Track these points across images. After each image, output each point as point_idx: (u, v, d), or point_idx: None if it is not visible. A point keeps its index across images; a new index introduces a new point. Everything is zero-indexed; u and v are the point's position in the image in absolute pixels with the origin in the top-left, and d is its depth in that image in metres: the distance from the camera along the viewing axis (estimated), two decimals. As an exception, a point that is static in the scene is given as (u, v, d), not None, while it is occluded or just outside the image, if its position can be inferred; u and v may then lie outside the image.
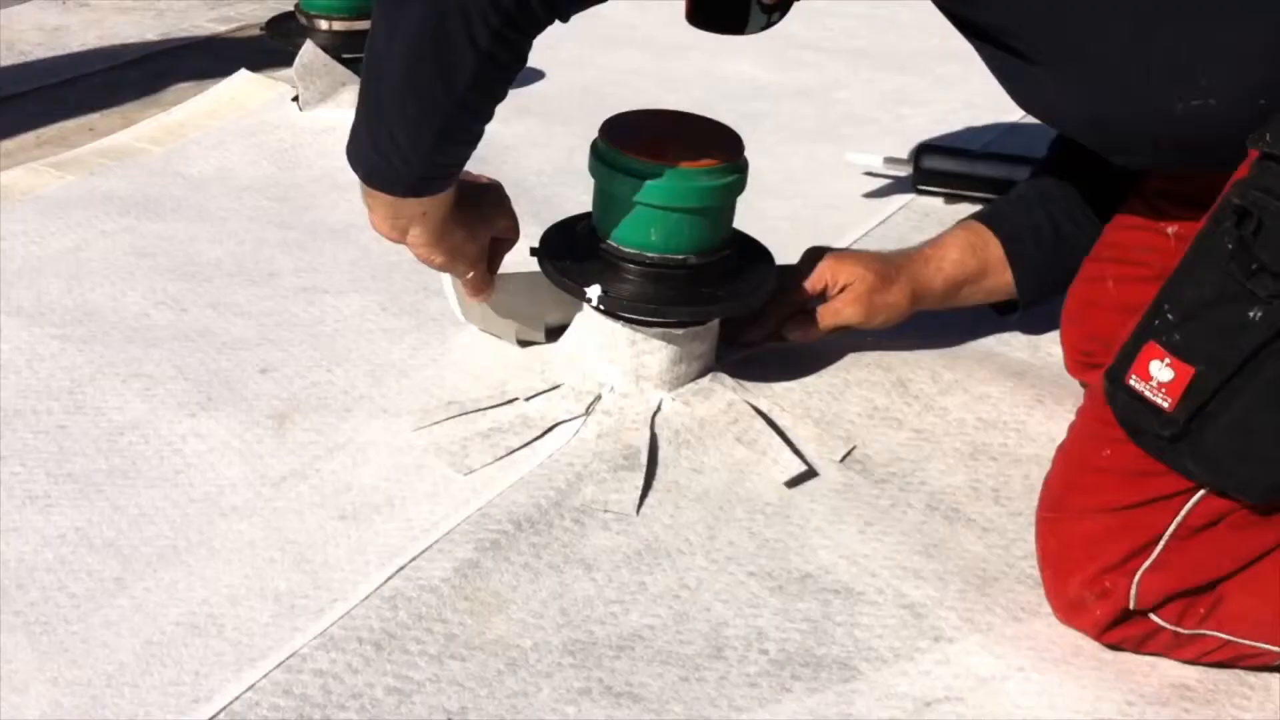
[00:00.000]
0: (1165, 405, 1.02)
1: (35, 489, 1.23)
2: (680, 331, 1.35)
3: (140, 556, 1.16)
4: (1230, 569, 1.07)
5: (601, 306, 1.31)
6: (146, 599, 1.12)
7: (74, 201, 1.79)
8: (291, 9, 2.11)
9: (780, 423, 1.36)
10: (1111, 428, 1.07)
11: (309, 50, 2.03)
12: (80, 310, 1.52)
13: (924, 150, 1.97)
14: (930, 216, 1.89)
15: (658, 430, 1.34)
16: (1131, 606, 1.09)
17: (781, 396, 1.40)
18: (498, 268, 1.40)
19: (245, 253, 1.68)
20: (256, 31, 2.45)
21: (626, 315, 1.33)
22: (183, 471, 1.27)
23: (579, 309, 1.39)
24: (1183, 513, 1.05)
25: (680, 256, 1.31)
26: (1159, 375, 1.01)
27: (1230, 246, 0.98)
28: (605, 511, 1.24)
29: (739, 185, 1.32)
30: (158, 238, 1.70)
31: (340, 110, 2.07)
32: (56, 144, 2.01)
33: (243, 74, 2.20)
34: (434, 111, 1.12)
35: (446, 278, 1.43)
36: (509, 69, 1.12)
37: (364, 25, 2.05)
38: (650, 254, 1.31)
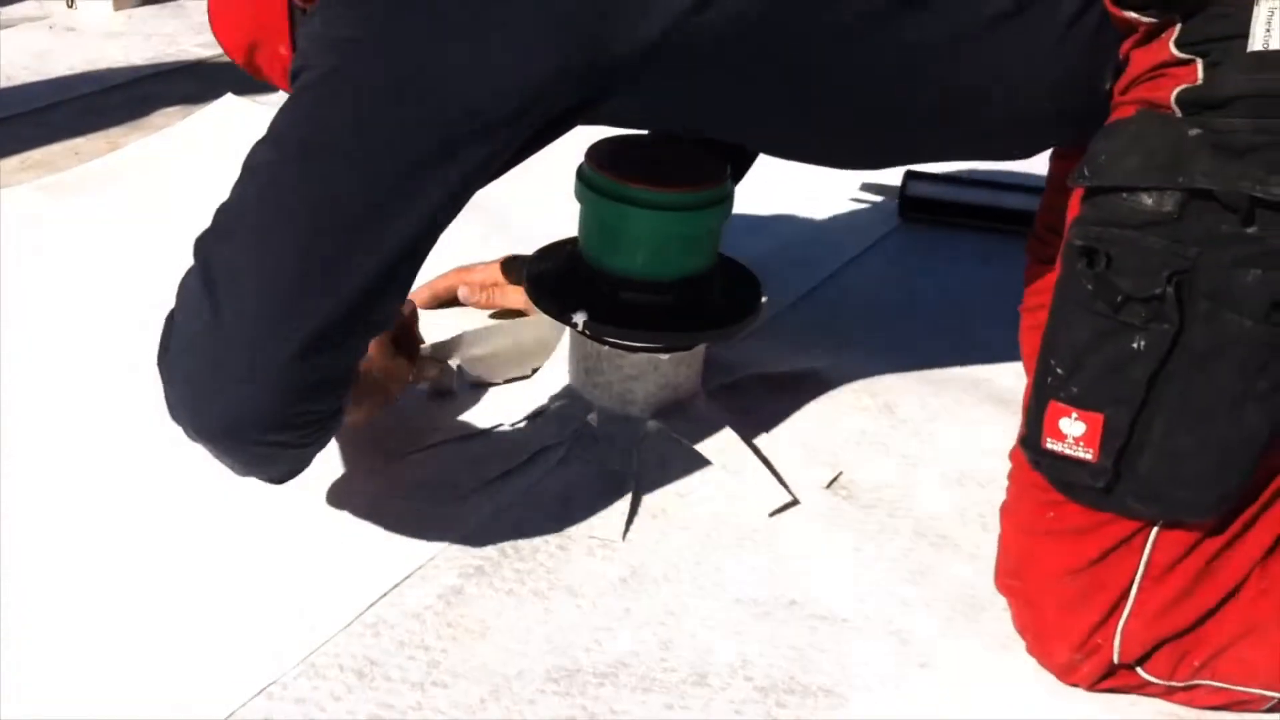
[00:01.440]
0: (1089, 457, 1.01)
1: (26, 508, 1.22)
2: (666, 357, 1.34)
3: (124, 582, 1.15)
4: (1212, 603, 1.06)
5: (587, 332, 1.31)
6: (130, 625, 1.11)
7: (58, 225, 1.78)
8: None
9: (767, 448, 1.36)
10: (1046, 491, 1.06)
11: (296, 75, 2.02)
12: (65, 336, 1.51)
13: (910, 177, 1.97)
14: (920, 241, 1.89)
15: (644, 456, 1.34)
16: (1116, 660, 1.07)
17: (768, 422, 1.40)
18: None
19: (230, 277, 1.67)
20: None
21: (612, 340, 1.33)
22: (165, 495, 1.26)
23: (564, 336, 1.39)
24: (1146, 552, 1.05)
25: (666, 281, 1.31)
26: (1071, 431, 1.01)
27: (1090, 287, 0.98)
28: (591, 537, 1.23)
29: (725, 211, 1.32)
30: (144, 262, 1.69)
31: (327, 135, 2.06)
32: (42, 167, 2.01)
33: (229, 98, 2.20)
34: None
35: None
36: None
37: (351, 50, 2.05)
38: (636, 278, 1.31)
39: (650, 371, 1.34)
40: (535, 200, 1.96)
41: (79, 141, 2.12)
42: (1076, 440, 1.01)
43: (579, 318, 1.30)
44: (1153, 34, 0.99)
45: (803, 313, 1.68)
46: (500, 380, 1.46)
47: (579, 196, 1.32)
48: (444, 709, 1.04)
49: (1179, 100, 0.95)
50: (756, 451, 1.35)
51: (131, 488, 1.27)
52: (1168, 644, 1.06)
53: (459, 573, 1.18)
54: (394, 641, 1.10)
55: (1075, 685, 1.10)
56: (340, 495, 1.27)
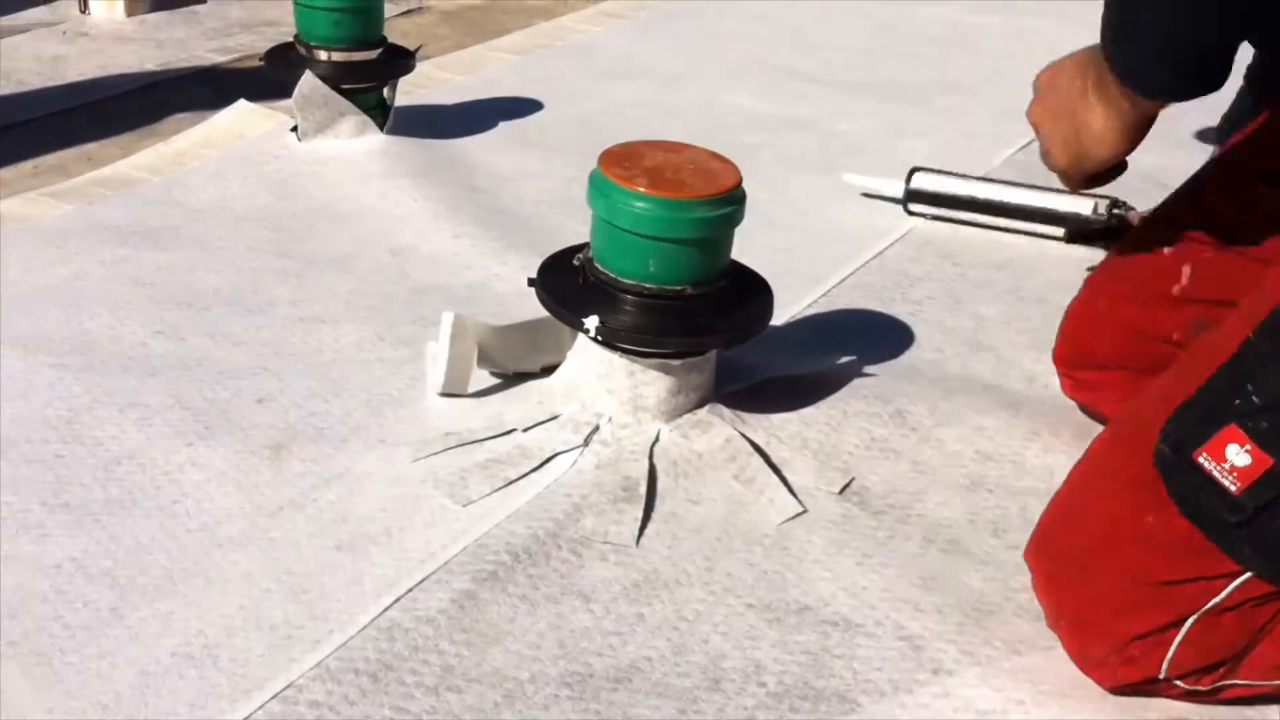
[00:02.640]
0: (1233, 489, 0.98)
1: (30, 519, 1.23)
2: (678, 362, 1.35)
3: (136, 587, 1.16)
4: (1251, 638, 1.05)
5: (599, 337, 1.31)
6: (142, 629, 1.11)
7: (72, 231, 1.79)
8: (291, 40, 2.12)
9: (778, 455, 1.36)
10: (1155, 494, 1.03)
11: (308, 81, 2.03)
12: (78, 339, 1.52)
13: (916, 171, 1.98)
14: (929, 246, 1.89)
15: (656, 461, 1.34)
16: (1161, 676, 1.07)
17: (779, 428, 1.40)
18: None
19: (243, 282, 1.68)
20: (256, 62, 2.45)
21: (624, 346, 1.33)
22: (179, 501, 1.26)
23: (576, 341, 1.39)
24: (1224, 594, 1.03)
25: (678, 287, 1.32)
26: (1234, 459, 0.97)
27: None
28: (604, 543, 1.24)
29: (737, 216, 1.32)
30: (156, 267, 1.70)
31: (339, 141, 2.07)
32: (55, 174, 2.02)
33: (241, 104, 2.20)
34: None
35: (430, 348, 1.44)
36: None
37: (362, 56, 2.07)
38: (648, 284, 1.31)
39: (662, 376, 1.35)
40: (550, 204, 1.98)
41: (92, 147, 2.13)
42: (1233, 469, 0.97)
43: (591, 323, 1.30)
44: None
45: (813, 318, 1.69)
46: (510, 372, 1.46)
47: (590, 202, 1.32)
48: (458, 713, 1.05)
49: None
50: (767, 458, 1.35)
51: (146, 491, 1.27)
52: (1207, 669, 1.06)
53: (472, 578, 1.18)
54: (408, 646, 1.11)
55: (1096, 680, 1.10)
56: (354, 500, 1.28)
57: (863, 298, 1.74)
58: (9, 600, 1.13)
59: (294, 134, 2.09)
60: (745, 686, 1.09)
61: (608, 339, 1.32)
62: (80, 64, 2.49)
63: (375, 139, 2.09)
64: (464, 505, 1.27)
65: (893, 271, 1.82)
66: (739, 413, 1.40)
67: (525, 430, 1.37)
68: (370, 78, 2.11)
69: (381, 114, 2.13)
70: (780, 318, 1.60)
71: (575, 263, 1.38)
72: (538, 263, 1.42)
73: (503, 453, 1.34)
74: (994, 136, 2.29)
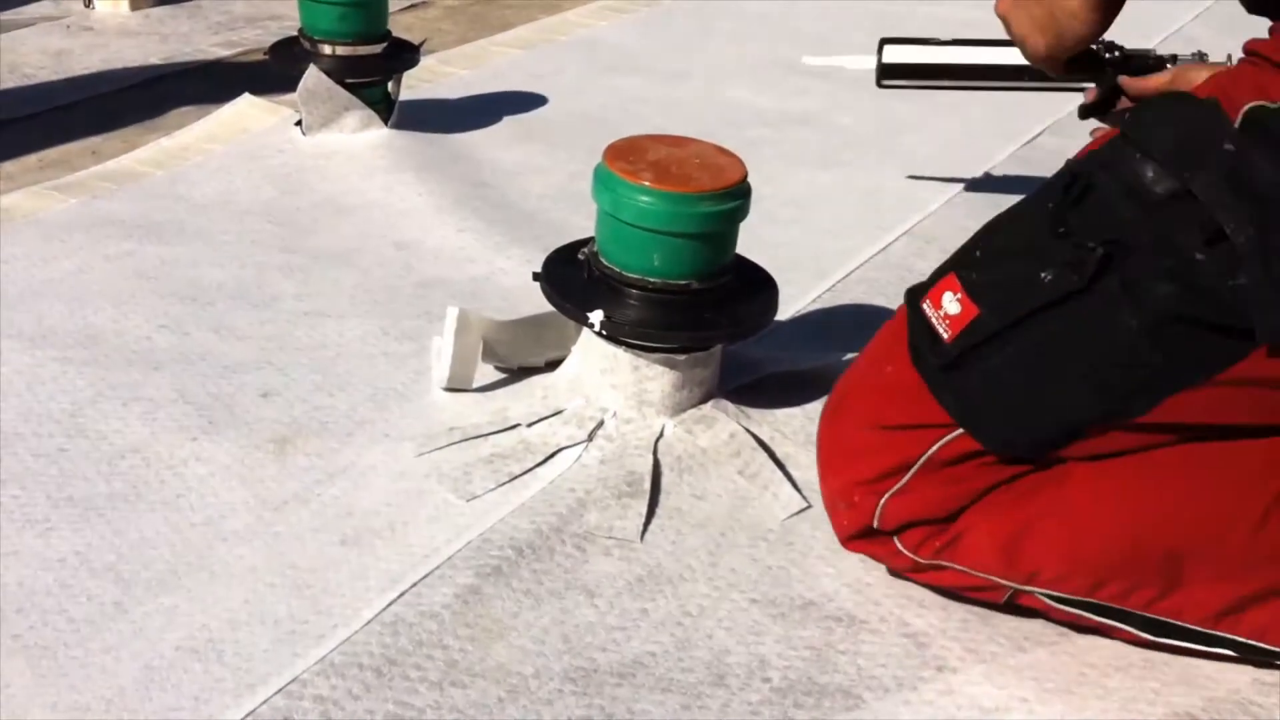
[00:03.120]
0: (945, 336, 1.05)
1: (35, 513, 1.23)
2: (683, 357, 1.34)
3: (140, 581, 1.16)
4: (966, 503, 1.10)
5: (604, 331, 1.31)
6: (146, 624, 1.11)
7: (76, 225, 1.79)
8: (295, 34, 2.11)
9: (782, 450, 1.36)
10: (902, 343, 1.10)
11: (312, 75, 2.03)
12: (82, 333, 1.52)
13: (886, 42, 1.85)
14: (933, 243, 1.89)
15: (660, 456, 1.34)
16: (875, 525, 1.13)
17: (784, 423, 1.40)
18: None
19: (247, 276, 1.68)
20: (260, 56, 2.45)
21: (629, 340, 1.33)
22: (183, 495, 1.26)
23: (581, 335, 1.39)
24: (935, 446, 1.08)
25: (683, 282, 1.32)
26: (948, 307, 1.05)
27: (1050, 205, 1.02)
28: (608, 538, 1.24)
29: (742, 211, 1.32)
30: (160, 261, 1.70)
31: (343, 135, 2.07)
32: (59, 167, 2.02)
33: (246, 98, 2.20)
34: None
35: (435, 343, 1.43)
36: None
37: (366, 51, 2.06)
38: (653, 279, 1.31)
39: (666, 371, 1.35)
40: (554, 198, 1.98)
41: (96, 141, 2.13)
42: (946, 317, 1.05)
43: (596, 318, 1.30)
44: None
45: (818, 313, 1.69)
46: (515, 367, 1.46)
47: (596, 196, 1.32)
48: (462, 708, 1.05)
49: (1249, 112, 0.97)
50: (771, 453, 1.35)
51: (150, 485, 1.27)
52: (921, 525, 1.12)
53: (476, 572, 1.18)
54: (412, 641, 1.11)
55: (835, 530, 1.18)
56: (358, 494, 1.28)
57: (867, 292, 1.74)
58: (13, 594, 1.13)
59: (298, 128, 2.09)
60: (749, 682, 1.09)
61: (612, 333, 1.32)
62: (84, 58, 2.49)
63: (379, 133, 2.09)
64: (468, 500, 1.27)
65: (897, 266, 1.82)
66: (743, 408, 1.40)
67: (529, 425, 1.37)
68: (375, 72, 2.11)
69: (386, 108, 2.13)
70: (785, 313, 1.60)
71: (580, 257, 1.38)
72: (542, 257, 1.42)
73: (507, 447, 1.34)
74: (997, 132, 2.29)
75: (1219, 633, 1.08)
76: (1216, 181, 0.95)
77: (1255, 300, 0.94)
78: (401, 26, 2.60)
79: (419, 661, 1.09)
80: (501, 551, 1.21)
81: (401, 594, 1.15)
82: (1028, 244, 1.03)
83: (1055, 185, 1.04)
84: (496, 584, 1.17)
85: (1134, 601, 1.08)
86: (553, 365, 1.46)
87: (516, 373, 1.47)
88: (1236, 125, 0.97)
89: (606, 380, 1.37)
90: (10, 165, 2.02)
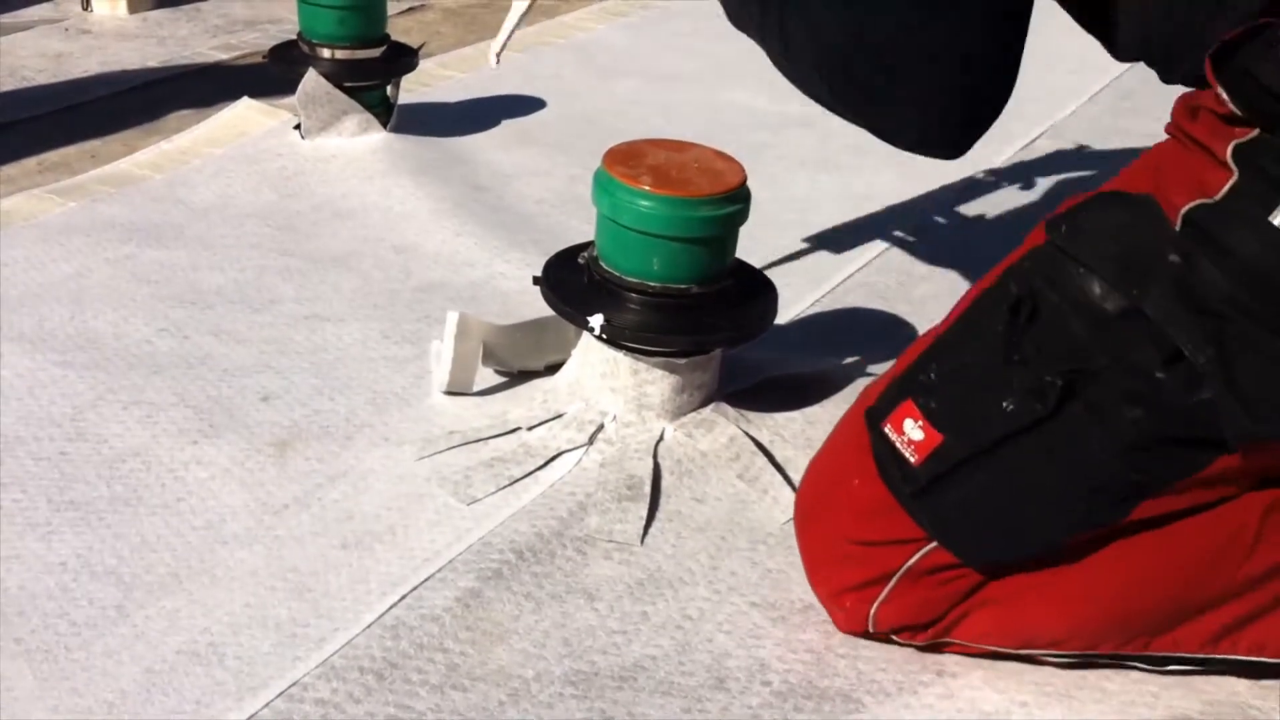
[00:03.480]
0: (911, 460, 1.03)
1: (36, 516, 1.23)
2: (683, 361, 1.35)
3: (141, 584, 1.16)
4: (955, 603, 1.09)
5: (604, 336, 1.32)
6: (147, 627, 1.11)
7: (76, 228, 1.79)
8: (294, 37, 2.12)
9: (782, 454, 1.36)
10: (866, 455, 1.08)
11: (311, 78, 2.03)
12: (82, 337, 1.52)
13: None
14: (931, 246, 1.89)
15: (660, 460, 1.34)
16: (871, 630, 1.12)
17: (784, 427, 1.40)
18: None
19: (247, 280, 1.68)
20: (259, 59, 2.45)
21: (629, 344, 1.33)
22: (184, 499, 1.26)
23: (581, 339, 1.39)
24: (914, 559, 1.08)
25: (683, 286, 1.32)
26: (911, 433, 1.03)
27: (1000, 329, 0.98)
28: (608, 541, 1.24)
29: (742, 215, 1.32)
30: (159, 265, 1.70)
31: (341, 138, 2.07)
32: (58, 170, 2.02)
33: (245, 101, 2.20)
34: None
35: (435, 346, 1.44)
36: None
37: (366, 54, 2.06)
38: (653, 283, 1.31)
39: (666, 375, 1.35)
40: (553, 201, 1.98)
41: (95, 144, 2.13)
42: (910, 442, 1.03)
43: (595, 322, 1.31)
44: (1227, 119, 0.94)
45: (818, 317, 1.69)
46: (515, 370, 1.46)
47: (595, 199, 1.32)
48: (462, 711, 1.05)
49: (1188, 214, 0.94)
50: (771, 457, 1.35)
51: (151, 488, 1.27)
52: (913, 629, 1.11)
53: (477, 576, 1.18)
54: (413, 644, 1.11)
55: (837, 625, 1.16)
56: (358, 498, 1.28)
57: (866, 296, 1.74)
58: (15, 598, 1.13)
59: (297, 131, 2.10)
60: (750, 685, 1.10)
61: (612, 337, 1.32)
62: (83, 61, 2.49)
63: (378, 136, 2.09)
64: (468, 504, 1.27)
65: (896, 270, 1.82)
66: (743, 411, 1.40)
67: (530, 429, 1.37)
68: (373, 75, 2.11)
69: (384, 111, 2.13)
70: (784, 317, 1.60)
71: (580, 261, 1.38)
72: (542, 261, 1.43)
73: (507, 451, 1.34)
74: (995, 135, 2.29)
75: (1219, 656, 1.08)
76: (1167, 300, 0.93)
77: (1223, 413, 0.93)
78: (400, 30, 2.61)
79: (420, 665, 1.09)
80: (502, 555, 1.21)
81: (402, 597, 1.16)
82: (983, 369, 1.00)
83: (999, 300, 1.01)
84: (497, 587, 1.17)
85: (1131, 648, 1.09)
86: (552, 369, 1.46)
87: (516, 376, 1.47)
88: (1177, 228, 0.94)
89: (606, 384, 1.37)
90: (9, 169, 2.02)
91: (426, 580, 1.18)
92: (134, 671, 1.07)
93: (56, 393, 1.41)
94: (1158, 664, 1.10)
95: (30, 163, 2.04)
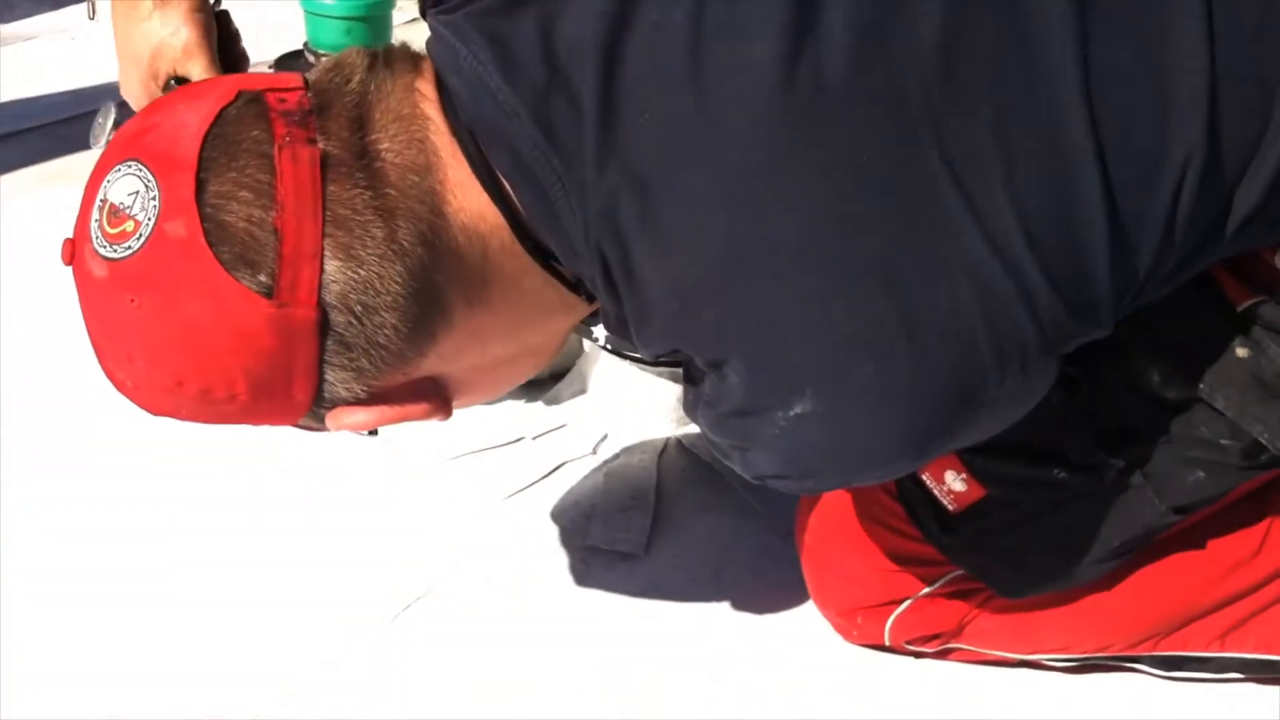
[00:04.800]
0: (950, 508, 1.01)
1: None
2: (687, 371, 1.35)
3: (143, 590, 1.16)
4: (966, 612, 1.09)
5: (608, 345, 1.31)
6: (148, 634, 1.12)
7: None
8: (300, 47, 2.12)
9: (786, 463, 1.36)
10: (883, 493, 1.07)
11: (316, 88, 2.03)
12: (84, 343, 1.51)
13: None
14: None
15: (664, 470, 1.34)
16: (887, 643, 1.12)
17: (787, 436, 1.40)
18: None
19: (251, 289, 1.68)
20: (264, 69, 2.45)
21: (633, 354, 1.33)
22: (184, 506, 1.27)
23: (586, 349, 1.39)
24: (936, 585, 1.08)
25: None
26: (952, 484, 1.01)
27: (1054, 401, 0.92)
28: (612, 551, 1.24)
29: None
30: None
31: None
32: (62, 179, 2.01)
33: (249, 111, 2.20)
34: None
35: None
36: None
37: (371, 64, 2.06)
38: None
39: (671, 385, 1.35)
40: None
41: (99, 154, 2.12)
42: (951, 492, 1.01)
43: (600, 332, 1.31)
44: None
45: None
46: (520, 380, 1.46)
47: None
48: (467, 717, 1.05)
49: (1248, 309, 0.91)
50: (776, 466, 1.35)
51: (152, 496, 1.27)
52: (929, 639, 1.11)
53: (481, 584, 1.18)
54: (415, 652, 1.11)
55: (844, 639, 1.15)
56: (362, 508, 1.28)
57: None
58: (16, 600, 1.14)
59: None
60: (755, 691, 1.10)
61: (617, 348, 1.32)
62: (89, 70, 2.49)
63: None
64: (473, 513, 1.27)
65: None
66: (747, 421, 1.40)
67: (534, 438, 1.37)
68: (378, 85, 2.11)
69: (389, 121, 2.13)
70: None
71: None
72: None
73: (512, 461, 1.34)
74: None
75: (1226, 653, 1.08)
76: (1239, 393, 0.91)
77: None
78: (404, 38, 2.60)
79: (421, 673, 1.09)
80: (507, 564, 1.21)
81: (406, 606, 1.16)
82: (1034, 434, 0.93)
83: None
84: (501, 597, 1.18)
85: (1140, 650, 1.09)
86: (557, 379, 1.46)
87: (521, 386, 1.47)
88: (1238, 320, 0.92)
89: (611, 394, 1.37)
90: (13, 177, 2.02)
91: (430, 589, 1.18)
92: (136, 676, 1.07)
93: (65, 396, 1.41)
94: (1166, 666, 1.10)
95: (32, 172, 2.04)
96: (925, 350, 0.75)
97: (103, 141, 1.21)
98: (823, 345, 0.76)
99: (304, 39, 2.10)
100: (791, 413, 0.78)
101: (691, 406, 0.87)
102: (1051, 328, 0.77)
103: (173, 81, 1.11)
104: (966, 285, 0.75)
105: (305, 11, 2.07)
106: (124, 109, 1.16)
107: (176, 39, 1.09)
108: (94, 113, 1.26)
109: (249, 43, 1.18)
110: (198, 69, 1.10)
